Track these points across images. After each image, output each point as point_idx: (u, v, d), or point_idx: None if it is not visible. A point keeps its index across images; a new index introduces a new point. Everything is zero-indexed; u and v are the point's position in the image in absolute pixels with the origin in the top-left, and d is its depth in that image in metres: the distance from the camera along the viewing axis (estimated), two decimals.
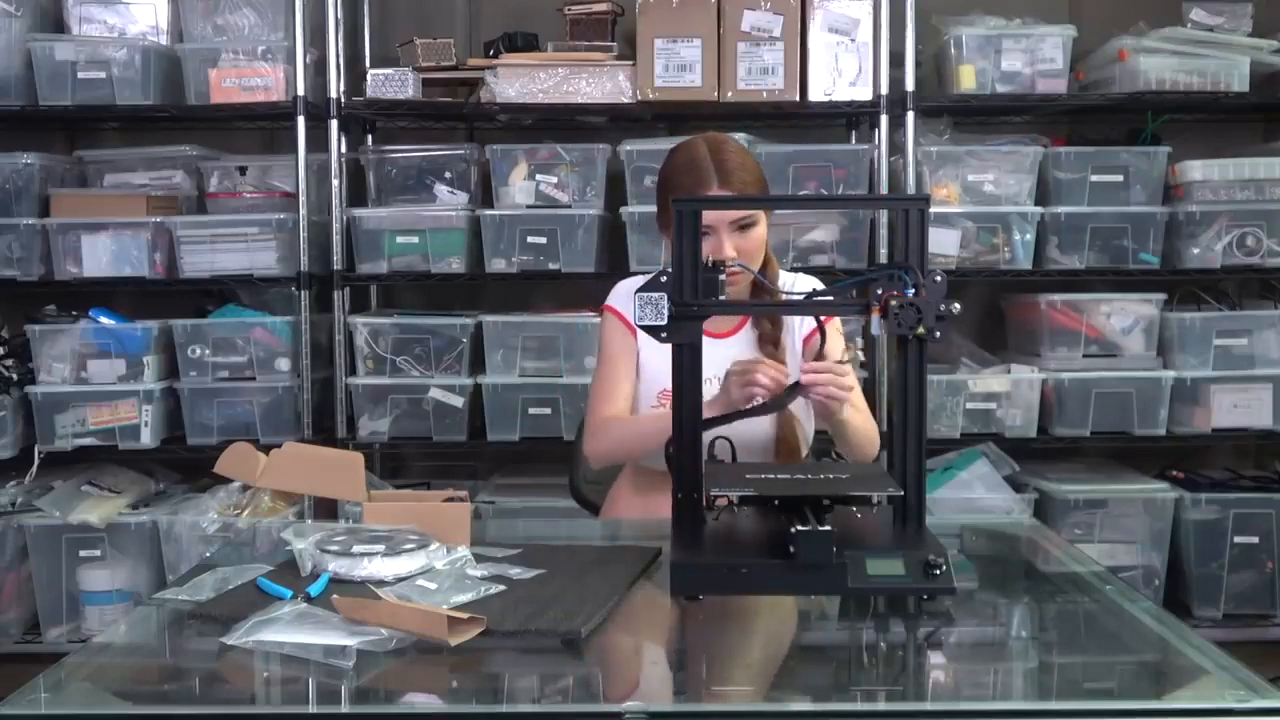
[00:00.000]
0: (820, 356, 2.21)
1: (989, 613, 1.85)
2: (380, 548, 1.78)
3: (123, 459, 3.88)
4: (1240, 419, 3.77)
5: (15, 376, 3.77)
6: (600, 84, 3.73)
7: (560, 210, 3.77)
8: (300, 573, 1.78)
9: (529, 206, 3.78)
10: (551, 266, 3.77)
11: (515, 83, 3.72)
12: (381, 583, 1.71)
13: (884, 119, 3.73)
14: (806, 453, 2.45)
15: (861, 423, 2.30)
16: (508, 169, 3.80)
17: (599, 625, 1.61)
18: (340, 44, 3.79)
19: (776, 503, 1.86)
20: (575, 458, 2.85)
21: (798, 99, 3.72)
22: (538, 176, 3.79)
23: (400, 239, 3.79)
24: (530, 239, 3.76)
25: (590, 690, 1.56)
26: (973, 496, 3.65)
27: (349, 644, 1.50)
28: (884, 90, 3.71)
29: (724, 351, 2.30)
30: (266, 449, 2.00)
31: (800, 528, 1.68)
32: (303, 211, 3.76)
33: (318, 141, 3.79)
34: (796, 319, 2.44)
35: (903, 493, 1.83)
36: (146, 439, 3.75)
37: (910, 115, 3.72)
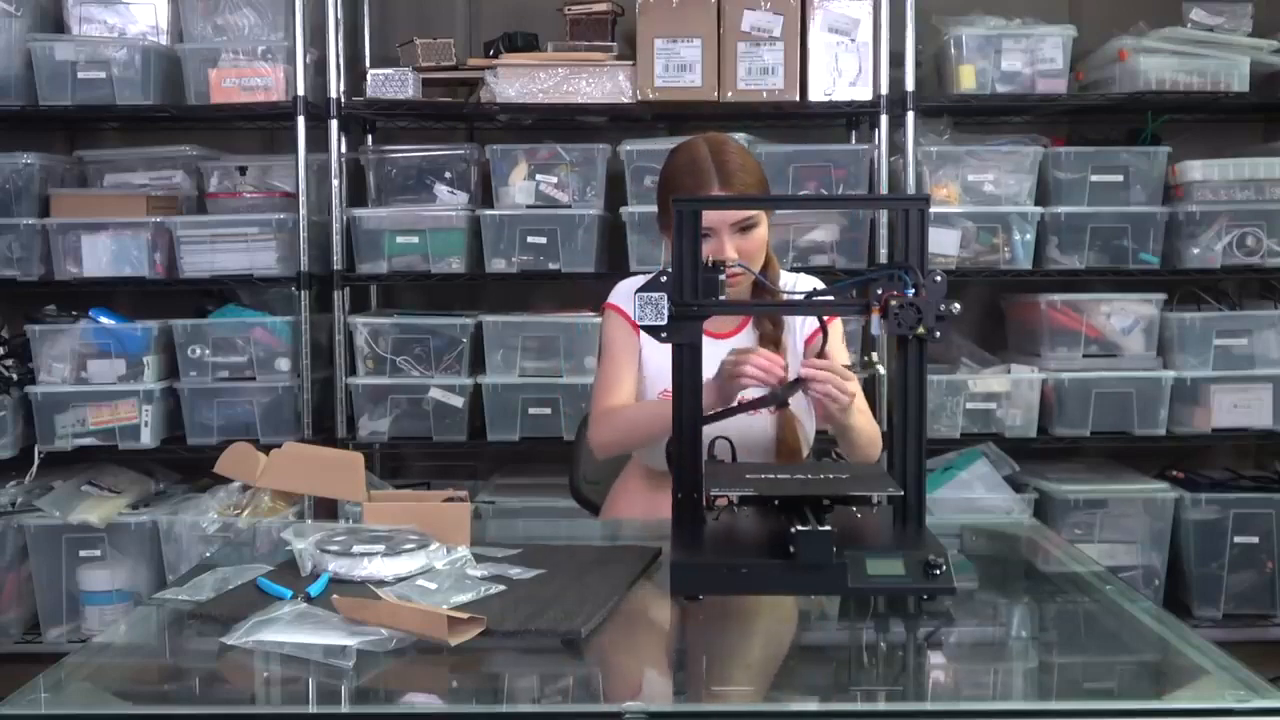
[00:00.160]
0: (821, 356, 2.20)
1: (989, 613, 1.85)
2: (380, 548, 1.78)
3: (123, 459, 3.88)
4: (1240, 419, 3.77)
5: (15, 376, 3.77)
6: (600, 84, 3.73)
7: (560, 210, 3.77)
8: (300, 573, 1.78)
9: (529, 206, 3.78)
10: (551, 266, 3.77)
11: (515, 83, 3.72)
12: (381, 583, 1.71)
13: (884, 119, 3.73)
14: (807, 453, 2.45)
15: (865, 426, 2.30)
16: (508, 169, 3.80)
17: (599, 625, 1.61)
18: (340, 44, 3.79)
19: (776, 503, 1.86)
20: (575, 458, 2.85)
21: (798, 99, 3.72)
22: (538, 176, 3.79)
23: (400, 239, 3.79)
24: (530, 239, 3.76)
25: (590, 690, 1.56)
26: (973, 496, 3.65)
27: (349, 644, 1.50)
28: (884, 90, 3.71)
29: (724, 352, 2.30)
30: (266, 449, 2.00)
31: (800, 528, 1.68)
32: (303, 211, 3.76)
33: (318, 141, 3.79)
34: (798, 320, 2.44)
35: (903, 493, 1.83)
36: (146, 439, 3.75)
37: (910, 115, 3.72)
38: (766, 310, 2.43)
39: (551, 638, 1.57)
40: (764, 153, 3.67)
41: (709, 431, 1.99)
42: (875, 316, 1.84)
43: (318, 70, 3.82)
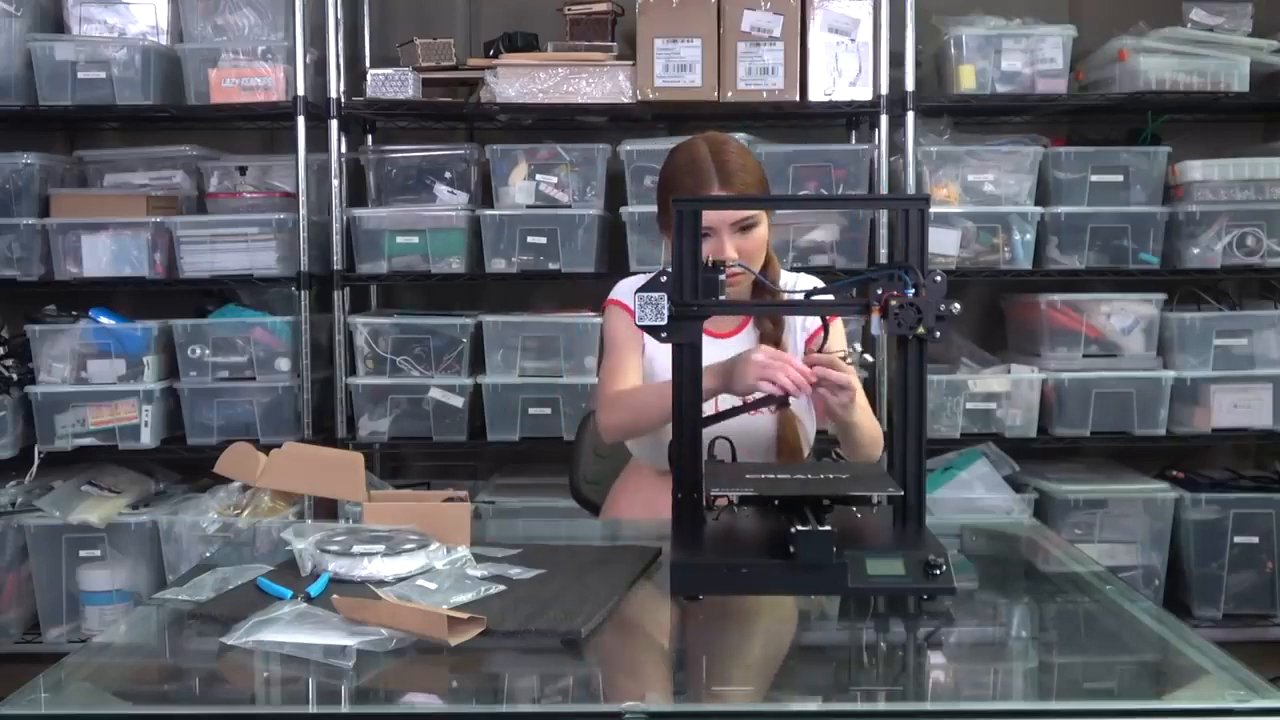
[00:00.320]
0: (822, 351, 2.20)
1: (989, 613, 1.85)
2: (380, 548, 1.78)
3: (123, 459, 3.88)
4: (1240, 419, 3.77)
5: (15, 376, 3.77)
6: (600, 84, 3.73)
7: (560, 210, 3.77)
8: (300, 573, 1.78)
9: (529, 206, 3.78)
10: (551, 266, 3.77)
11: (515, 83, 3.72)
12: (381, 583, 1.71)
13: (884, 119, 3.73)
14: (808, 453, 2.45)
15: (867, 424, 2.30)
16: (508, 169, 3.80)
17: (599, 625, 1.61)
18: (340, 44, 3.79)
19: (776, 503, 1.86)
20: (575, 458, 2.85)
21: (798, 99, 3.72)
22: (538, 176, 3.79)
23: (400, 239, 3.79)
24: (530, 239, 3.76)
25: (590, 690, 1.56)
26: (973, 496, 3.65)
27: (349, 644, 1.50)
28: (884, 90, 3.71)
29: (725, 352, 2.29)
30: (266, 449, 2.00)
31: (800, 528, 1.68)
32: (303, 211, 3.76)
33: (318, 141, 3.79)
34: (799, 320, 2.44)
35: (903, 493, 1.83)
36: (146, 439, 3.75)
37: (910, 115, 3.72)
38: (767, 310, 2.43)
39: (551, 638, 1.57)
40: (764, 153, 3.67)
41: (710, 431, 1.99)
42: (875, 316, 1.84)
43: (318, 70, 3.82)
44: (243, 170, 3.94)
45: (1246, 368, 3.77)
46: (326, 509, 3.26)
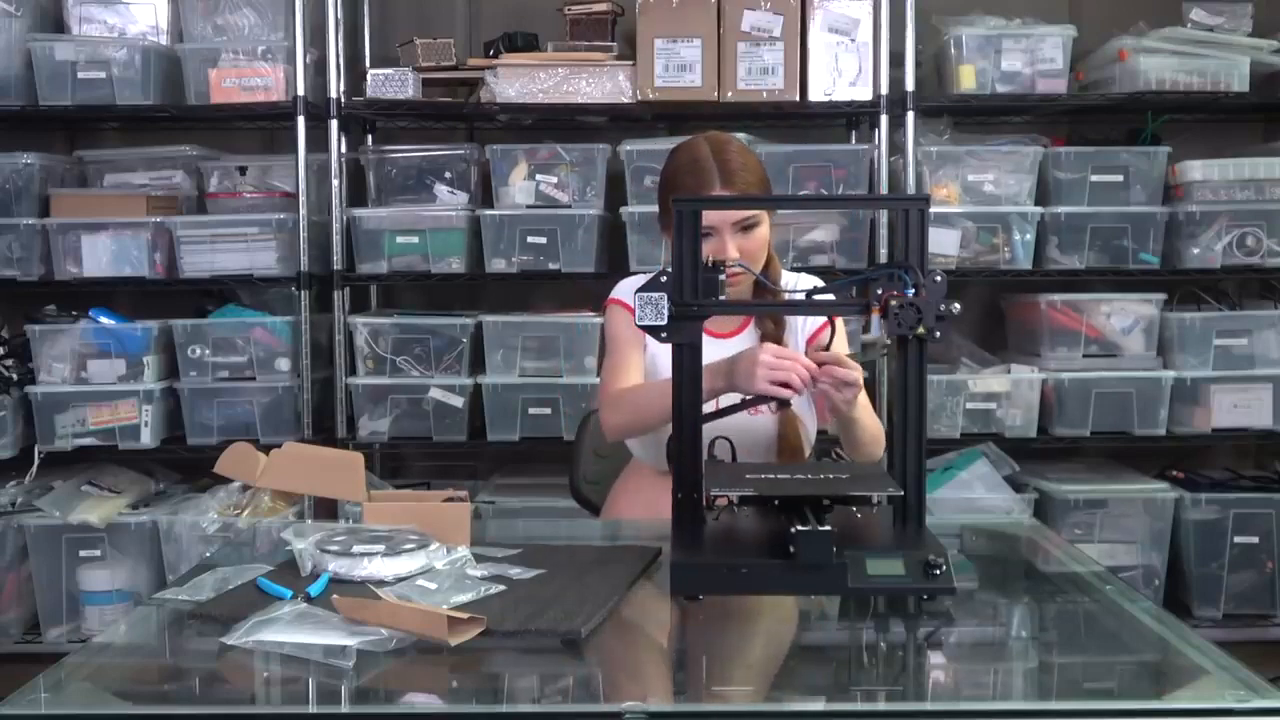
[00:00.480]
0: (828, 350, 2.19)
1: (989, 613, 1.85)
2: (380, 548, 1.78)
3: (123, 459, 3.88)
4: (1240, 419, 3.77)
5: (15, 376, 3.77)
6: (600, 84, 3.73)
7: (560, 210, 3.77)
8: (300, 573, 1.78)
9: (529, 206, 3.78)
10: (551, 266, 3.77)
11: (515, 83, 3.72)
12: (381, 583, 1.71)
13: (884, 119, 3.73)
14: (809, 452, 2.45)
15: (869, 422, 2.29)
16: (508, 169, 3.80)
17: (599, 625, 1.61)
18: (340, 44, 3.79)
19: (776, 503, 1.86)
20: (575, 458, 2.85)
21: (798, 99, 3.72)
22: (538, 176, 3.79)
23: (400, 239, 3.79)
24: (530, 239, 3.76)
25: (590, 690, 1.56)
26: (973, 496, 3.65)
27: (349, 644, 1.50)
28: (884, 90, 3.71)
29: (726, 352, 2.29)
30: (266, 449, 2.00)
31: (800, 528, 1.68)
32: (303, 211, 3.76)
33: (318, 141, 3.79)
34: (800, 321, 2.44)
35: (903, 493, 1.83)
36: (146, 439, 3.75)
37: (910, 115, 3.72)
38: (767, 310, 2.43)
39: (551, 638, 1.57)
40: (764, 153, 3.67)
41: (710, 430, 1.99)
42: (875, 316, 1.84)
43: (318, 70, 3.82)
44: (243, 170, 3.94)
45: (1246, 368, 3.77)
46: (326, 509, 3.26)
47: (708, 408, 2.00)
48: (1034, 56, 3.74)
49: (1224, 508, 3.77)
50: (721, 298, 1.90)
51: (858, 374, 2.09)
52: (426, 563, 1.77)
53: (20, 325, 3.83)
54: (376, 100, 3.78)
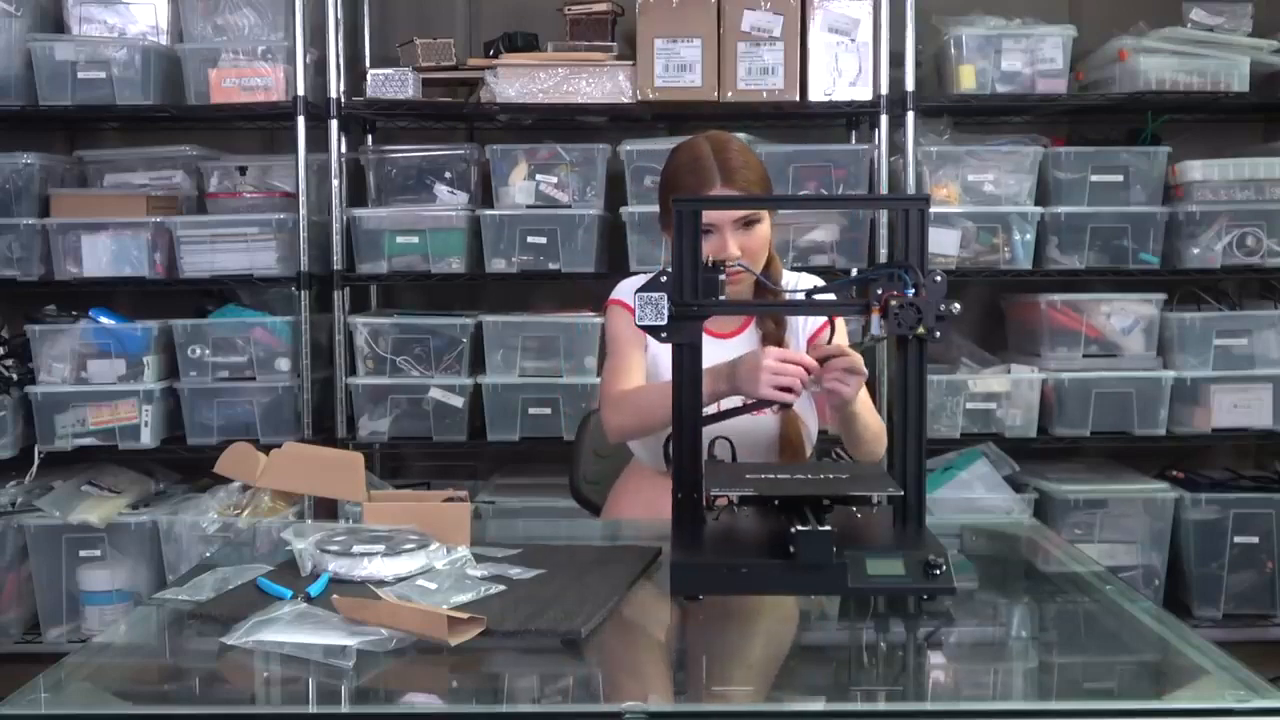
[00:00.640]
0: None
1: (989, 613, 1.85)
2: (380, 548, 1.78)
3: (123, 459, 3.88)
4: (1240, 419, 3.77)
5: (15, 376, 3.77)
6: (600, 84, 3.73)
7: (560, 210, 3.77)
8: (300, 573, 1.78)
9: (529, 206, 3.78)
10: (551, 266, 3.77)
11: (515, 83, 3.72)
12: (381, 583, 1.71)
13: (884, 119, 3.73)
14: (810, 451, 2.45)
15: (870, 419, 2.29)
16: (508, 169, 3.80)
17: (599, 625, 1.61)
18: (340, 44, 3.79)
19: (776, 503, 1.86)
20: (575, 458, 2.85)
21: (798, 99, 3.72)
22: (538, 176, 3.79)
23: (400, 239, 3.79)
24: (530, 239, 3.76)
25: (590, 690, 1.56)
26: (973, 496, 3.65)
27: (349, 644, 1.50)
28: (884, 90, 3.71)
29: (727, 352, 2.29)
30: (266, 449, 2.00)
31: (800, 528, 1.68)
32: (303, 211, 3.76)
33: (318, 141, 3.79)
34: (800, 321, 2.44)
35: (903, 493, 1.83)
36: (146, 439, 3.75)
37: (910, 115, 3.72)
38: (767, 310, 2.43)
39: (551, 638, 1.57)
40: (764, 153, 3.67)
41: (710, 431, 1.99)
42: (875, 316, 1.84)
43: (318, 70, 3.82)
44: (243, 170, 3.94)
45: (1246, 368, 3.77)
46: (326, 509, 3.26)
47: (709, 409, 2.00)
48: (1034, 56, 3.74)
49: (1224, 508, 3.77)
50: (721, 298, 1.90)
51: (860, 360, 2.10)
52: (426, 563, 1.77)
53: (20, 325, 3.83)
54: (376, 100, 3.78)
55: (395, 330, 3.80)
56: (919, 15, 3.70)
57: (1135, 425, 3.75)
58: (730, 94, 3.69)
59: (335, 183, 3.79)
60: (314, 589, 1.70)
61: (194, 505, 3.75)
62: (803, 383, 2.05)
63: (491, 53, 3.85)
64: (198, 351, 3.78)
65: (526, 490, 3.79)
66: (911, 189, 3.73)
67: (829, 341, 2.15)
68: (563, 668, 1.57)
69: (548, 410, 3.75)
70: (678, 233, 1.87)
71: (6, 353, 3.80)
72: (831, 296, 2.05)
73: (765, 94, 3.71)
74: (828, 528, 1.68)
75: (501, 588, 1.72)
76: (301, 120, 3.73)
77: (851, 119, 4.02)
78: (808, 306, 2.18)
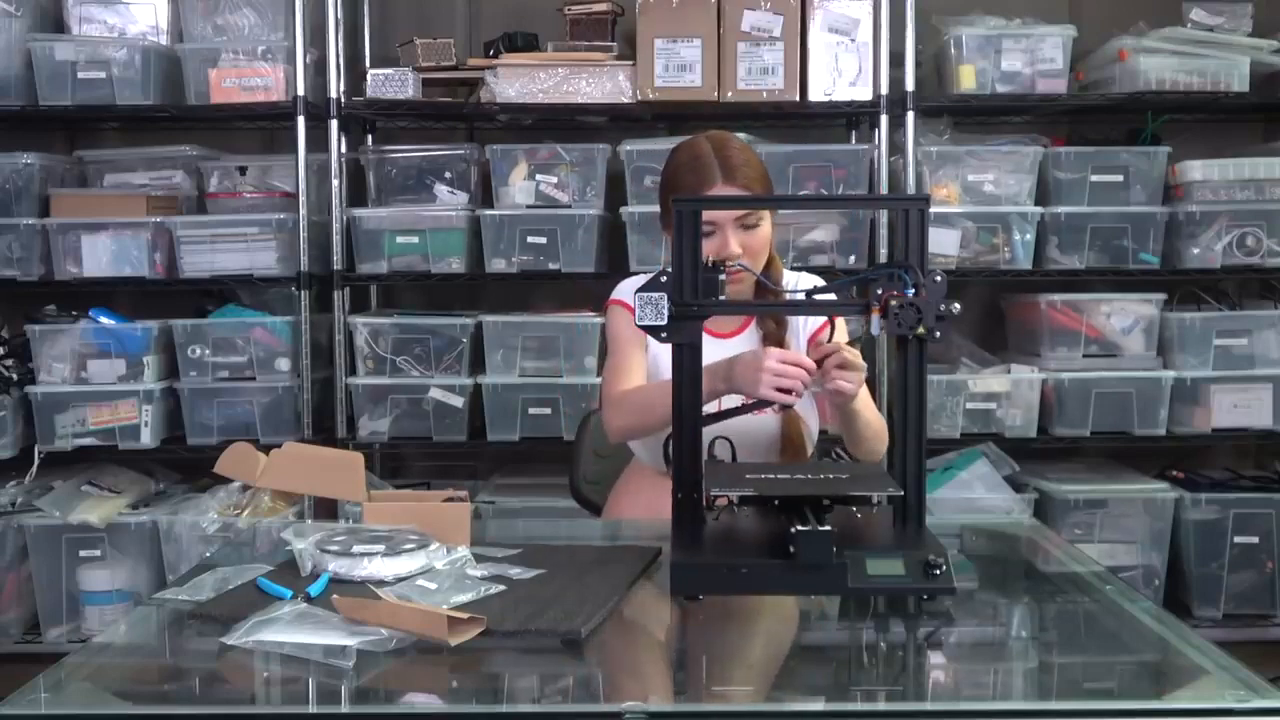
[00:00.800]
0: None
1: (989, 613, 1.85)
2: (380, 548, 1.78)
3: (123, 459, 3.88)
4: (1240, 419, 3.77)
5: (15, 376, 3.77)
6: (600, 84, 3.73)
7: (560, 210, 3.77)
8: (300, 573, 1.78)
9: (529, 206, 3.78)
10: (551, 266, 3.77)
11: (515, 83, 3.72)
12: (381, 583, 1.71)
13: (884, 119, 3.73)
14: (811, 451, 2.45)
15: (871, 416, 2.29)
16: (508, 169, 3.80)
17: (599, 625, 1.61)
18: (340, 44, 3.79)
19: (776, 503, 1.86)
20: (575, 458, 2.85)
21: (798, 99, 3.72)
22: (538, 176, 3.79)
23: (400, 239, 3.79)
24: (530, 239, 3.76)
25: (590, 690, 1.56)
26: (973, 496, 3.65)
27: (349, 644, 1.50)
28: (884, 90, 3.71)
29: (728, 353, 2.29)
30: (266, 449, 2.00)
31: (800, 528, 1.68)
32: (303, 211, 3.76)
33: (318, 141, 3.79)
34: (800, 320, 2.44)
35: (903, 493, 1.83)
36: (146, 439, 3.75)
37: (910, 115, 3.72)
38: (767, 310, 2.43)
39: (551, 638, 1.57)
40: (764, 153, 3.66)
41: (711, 430, 1.99)
42: (875, 316, 1.84)
43: (318, 70, 3.82)
44: (243, 170, 3.94)
45: (1246, 368, 3.77)
46: (326, 509, 3.26)
47: (709, 408, 2.00)
48: (1034, 56, 3.74)
49: (1224, 508, 3.77)
50: (721, 298, 1.90)
51: (859, 357, 2.10)
52: (426, 563, 1.77)
53: (20, 325, 3.83)
54: (376, 100, 3.78)
55: (395, 330, 3.80)
56: (919, 15, 3.70)
57: (1135, 425, 3.75)
58: (730, 94, 3.70)
59: (335, 183, 3.79)
60: (314, 589, 1.70)
61: (194, 505, 3.75)
62: (805, 384, 2.05)
63: (491, 53, 3.85)
64: (198, 351, 3.78)
65: (526, 490, 3.79)
66: (911, 189, 3.73)
67: (830, 338, 2.15)
68: (563, 668, 1.57)
69: (548, 410, 3.75)
70: (678, 232, 1.87)
71: (6, 353, 3.80)
72: (831, 296, 2.05)
73: (765, 94, 3.71)
74: (828, 528, 1.68)
75: (501, 588, 1.72)
76: (301, 120, 3.73)
77: (851, 119, 4.02)
78: (808, 306, 2.18)
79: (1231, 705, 1.37)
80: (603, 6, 3.78)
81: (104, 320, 3.78)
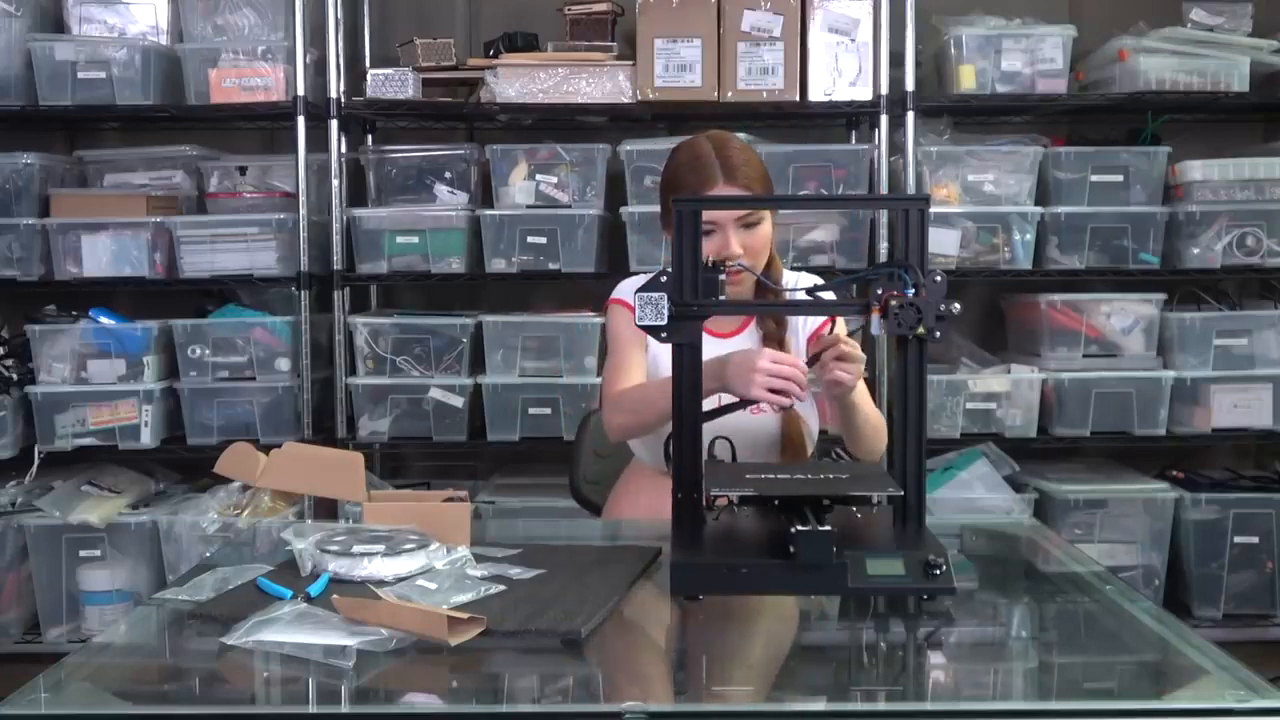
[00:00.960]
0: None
1: (989, 613, 1.85)
2: (380, 548, 1.78)
3: (123, 459, 3.88)
4: (1240, 419, 3.77)
5: (15, 376, 3.77)
6: (600, 84, 3.73)
7: (560, 210, 3.77)
8: (300, 573, 1.78)
9: (529, 206, 3.78)
10: (551, 266, 3.77)
11: (515, 83, 3.72)
12: (381, 583, 1.71)
13: (884, 119, 3.73)
14: (811, 450, 2.45)
15: (870, 412, 2.29)
16: (508, 169, 3.80)
17: (599, 625, 1.61)
18: (340, 44, 3.79)
19: (776, 503, 1.86)
20: (575, 458, 2.85)
21: (798, 99, 3.72)
22: (538, 176, 3.79)
23: (400, 239, 3.79)
24: (530, 239, 3.76)
25: (590, 690, 1.56)
26: (973, 496, 3.65)
27: (349, 644, 1.50)
28: (884, 90, 3.71)
29: (726, 352, 2.29)
30: (266, 449, 2.00)
31: (800, 528, 1.68)
32: (303, 211, 3.76)
33: (318, 141, 3.79)
34: (800, 320, 2.44)
35: (903, 493, 1.83)
36: (146, 439, 3.75)
37: (910, 115, 3.72)
38: (767, 310, 2.43)
39: (551, 638, 1.57)
40: (764, 153, 3.65)
41: (711, 430, 1.99)
42: (875, 316, 1.84)
43: (318, 70, 3.82)
44: (243, 170, 3.94)
45: (1246, 368, 3.77)
46: (326, 509, 3.26)
47: (708, 405, 2.00)
48: (1034, 56, 3.74)
49: (1224, 508, 3.77)
50: (721, 298, 1.90)
51: (858, 348, 2.10)
52: (426, 563, 1.77)
53: (20, 325, 3.83)
54: (376, 100, 3.78)
55: (395, 330, 3.80)
56: (919, 15, 3.70)
57: (1135, 425, 3.75)
58: (730, 94, 3.69)
59: (335, 183, 3.79)
60: (314, 589, 1.70)
61: (194, 505, 3.75)
62: (801, 386, 2.05)
63: (491, 53, 3.85)
64: (198, 351, 3.78)
65: (526, 490, 3.79)
66: (911, 189, 3.73)
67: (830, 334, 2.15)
68: (563, 668, 1.57)
69: (548, 410, 3.75)
70: (678, 232, 1.87)
71: (6, 353, 3.80)
72: (831, 296, 2.05)
73: (765, 94, 3.71)
74: (828, 528, 1.68)
75: (501, 588, 1.72)
76: (301, 120, 3.73)
77: (851, 119, 4.02)
78: (808, 306, 2.18)
79: (1231, 705, 1.37)
80: (603, 6, 3.78)
81: (104, 320, 3.78)
